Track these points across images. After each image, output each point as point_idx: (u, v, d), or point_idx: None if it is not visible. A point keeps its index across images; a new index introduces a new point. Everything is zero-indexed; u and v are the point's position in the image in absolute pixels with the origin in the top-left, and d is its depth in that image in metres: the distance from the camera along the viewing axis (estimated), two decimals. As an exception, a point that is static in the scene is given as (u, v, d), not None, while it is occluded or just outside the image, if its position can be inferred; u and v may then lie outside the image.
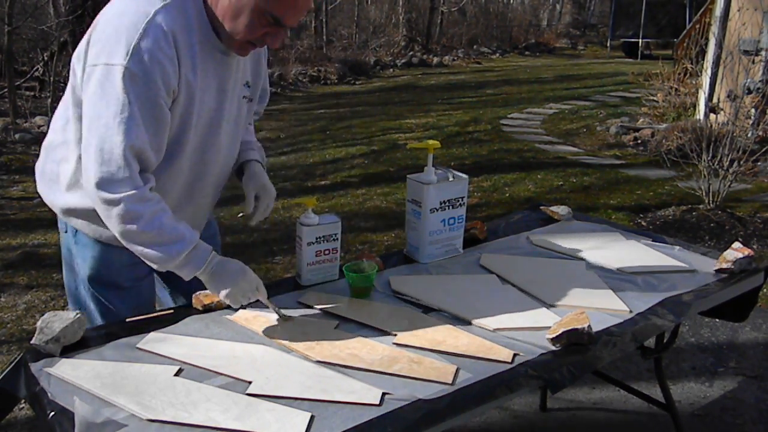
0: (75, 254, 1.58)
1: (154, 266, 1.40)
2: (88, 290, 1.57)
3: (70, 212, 1.50)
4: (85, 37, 1.37)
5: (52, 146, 1.50)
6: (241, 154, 1.68)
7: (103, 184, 1.30)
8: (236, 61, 1.48)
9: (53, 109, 1.64)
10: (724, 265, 1.78)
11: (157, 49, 1.29)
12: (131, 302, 1.59)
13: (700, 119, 6.44)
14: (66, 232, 1.58)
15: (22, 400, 1.33)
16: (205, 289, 1.48)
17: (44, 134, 1.56)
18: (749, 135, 4.89)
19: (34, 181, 1.59)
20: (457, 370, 1.30)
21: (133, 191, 1.30)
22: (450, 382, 1.26)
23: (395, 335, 1.43)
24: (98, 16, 1.37)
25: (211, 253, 1.41)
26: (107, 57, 1.28)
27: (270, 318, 1.50)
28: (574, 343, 1.38)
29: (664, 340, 1.96)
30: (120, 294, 1.58)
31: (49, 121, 1.57)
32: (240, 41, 1.39)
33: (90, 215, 1.47)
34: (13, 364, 1.32)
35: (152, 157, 1.35)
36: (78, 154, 1.41)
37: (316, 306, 1.57)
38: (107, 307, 1.57)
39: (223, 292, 1.42)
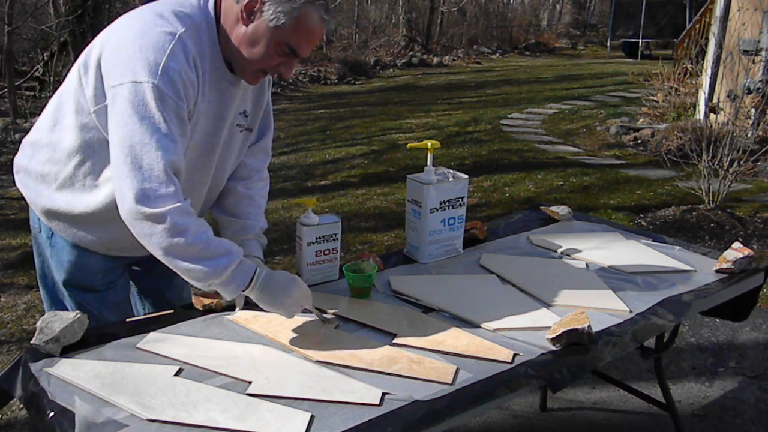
0: (49, 256, 1.57)
1: (197, 284, 1.35)
2: (64, 292, 1.58)
3: (52, 213, 1.49)
4: (94, 48, 1.35)
5: (37, 145, 1.48)
6: (240, 243, 1.58)
7: (144, 199, 1.26)
8: (240, 91, 1.49)
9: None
10: (724, 265, 1.78)
11: (183, 70, 1.29)
12: (107, 303, 1.60)
13: (700, 119, 6.44)
14: (40, 232, 1.57)
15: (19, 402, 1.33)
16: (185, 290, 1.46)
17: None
18: (749, 135, 4.90)
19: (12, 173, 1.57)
20: (457, 371, 1.30)
21: (178, 204, 1.28)
22: (450, 382, 1.26)
23: (395, 335, 1.43)
24: (108, 33, 1.36)
25: (257, 269, 1.39)
26: (133, 75, 1.26)
27: (270, 318, 1.50)
28: (574, 343, 1.38)
29: (664, 340, 1.96)
30: (96, 296, 1.58)
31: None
32: (253, 70, 1.40)
33: (71, 219, 1.46)
34: (12, 364, 1.32)
35: (183, 174, 1.34)
36: (77, 160, 1.41)
37: (316, 306, 1.57)
38: (84, 307, 1.56)
39: (277, 305, 1.39)
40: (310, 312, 1.47)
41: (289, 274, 1.43)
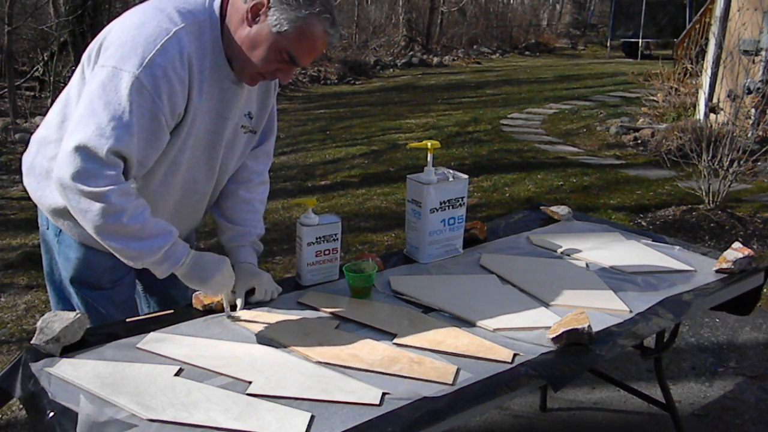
0: (57, 253, 1.58)
1: (129, 263, 1.37)
2: (70, 289, 1.58)
3: (58, 212, 1.49)
4: (97, 40, 1.37)
5: (44, 142, 1.48)
6: (236, 249, 1.64)
7: (83, 177, 1.26)
8: (244, 92, 1.49)
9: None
10: (724, 265, 1.78)
11: (170, 68, 1.29)
12: (113, 300, 1.60)
13: (700, 119, 6.44)
14: (48, 229, 1.57)
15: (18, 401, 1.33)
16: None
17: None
18: (749, 135, 4.89)
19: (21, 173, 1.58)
20: (458, 371, 1.30)
21: (117, 185, 1.29)
22: (450, 382, 1.26)
23: (395, 335, 1.43)
24: (113, 23, 1.37)
25: (189, 250, 1.42)
26: (117, 62, 1.28)
27: (271, 318, 1.50)
28: (574, 342, 1.38)
29: (664, 340, 1.96)
30: (102, 294, 1.59)
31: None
32: (251, 72, 1.40)
33: None
34: (12, 364, 1.32)
35: (134, 168, 1.34)
36: None
37: (316, 306, 1.57)
38: (90, 304, 1.57)
39: (204, 283, 1.42)
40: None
41: (219, 256, 1.47)
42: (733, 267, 1.77)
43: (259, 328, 1.46)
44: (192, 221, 1.64)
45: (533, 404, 2.43)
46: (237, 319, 1.50)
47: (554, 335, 1.38)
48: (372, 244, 4.06)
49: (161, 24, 1.30)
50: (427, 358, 1.34)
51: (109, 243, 1.34)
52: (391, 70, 13.99)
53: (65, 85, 1.47)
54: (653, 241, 2.03)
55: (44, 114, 1.54)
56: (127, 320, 1.50)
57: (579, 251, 1.93)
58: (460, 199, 1.85)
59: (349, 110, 9.20)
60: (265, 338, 1.42)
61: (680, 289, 1.69)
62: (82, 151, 1.26)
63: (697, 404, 2.44)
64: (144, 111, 1.29)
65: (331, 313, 1.53)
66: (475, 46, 17.60)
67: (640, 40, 15.79)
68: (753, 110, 5.52)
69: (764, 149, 4.69)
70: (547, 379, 1.31)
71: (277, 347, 1.38)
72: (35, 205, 1.56)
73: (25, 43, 9.62)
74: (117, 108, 1.27)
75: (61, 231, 1.54)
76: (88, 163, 1.27)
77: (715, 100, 6.40)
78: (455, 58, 15.94)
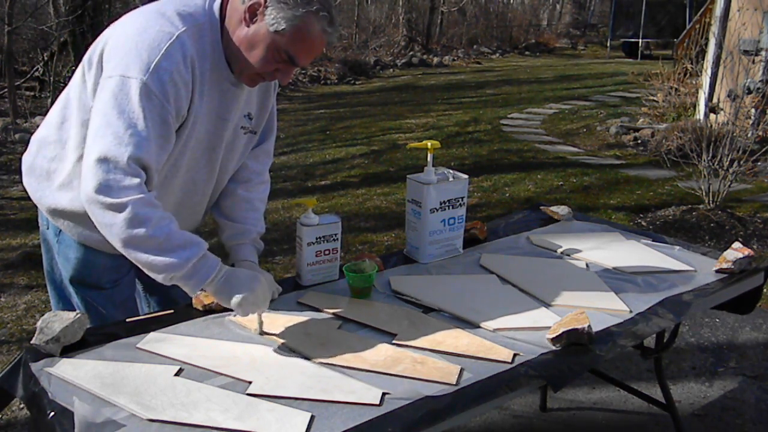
0: (57, 253, 1.58)
1: (158, 277, 1.33)
2: (70, 289, 1.58)
3: (58, 212, 1.49)
4: (98, 43, 1.37)
5: (44, 142, 1.48)
6: (236, 247, 1.62)
7: (105, 189, 1.26)
8: (243, 93, 1.49)
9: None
10: (725, 265, 1.78)
11: (176, 71, 1.29)
12: (113, 300, 1.60)
13: (700, 119, 6.44)
14: (48, 229, 1.57)
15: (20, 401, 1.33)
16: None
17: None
18: (749, 135, 4.90)
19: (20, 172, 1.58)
20: (461, 371, 1.30)
21: (141, 195, 1.28)
22: (454, 382, 1.25)
23: (395, 335, 1.43)
24: (113, 29, 1.37)
25: (219, 264, 1.37)
26: (124, 69, 1.28)
27: (271, 318, 1.50)
28: (574, 342, 1.38)
29: (664, 340, 1.96)
30: (102, 294, 1.58)
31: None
32: (250, 73, 1.40)
33: (77, 217, 1.46)
34: (12, 364, 1.32)
35: (155, 177, 1.33)
36: (77, 156, 1.40)
37: (316, 306, 1.57)
38: (90, 304, 1.57)
39: (236, 300, 1.35)
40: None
41: (252, 272, 1.42)
42: (733, 267, 1.77)
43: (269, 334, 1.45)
44: (192, 222, 1.64)
45: (533, 404, 2.43)
46: (266, 334, 1.44)
47: (554, 335, 1.38)
48: (372, 244, 4.06)
49: (163, 28, 1.30)
50: (430, 359, 1.34)
51: (136, 256, 1.30)
52: (391, 70, 13.99)
53: (65, 85, 1.47)
54: (653, 241, 2.03)
55: (44, 114, 1.54)
56: (127, 320, 1.50)
57: (579, 251, 1.93)
58: (460, 199, 1.85)
59: (349, 110, 9.20)
60: (265, 338, 1.41)
61: (680, 289, 1.69)
62: (103, 162, 1.26)
63: (697, 404, 2.44)
64: (155, 116, 1.29)
65: (331, 313, 1.53)
66: (475, 46, 17.61)
67: (640, 40, 15.79)
68: (753, 110, 5.52)
69: (764, 149, 4.69)
70: (547, 379, 1.31)
71: (277, 347, 1.38)
72: (35, 205, 1.57)
73: (25, 43, 9.62)
74: (131, 116, 1.27)
75: (60, 231, 1.54)
76: (110, 174, 1.26)
77: (715, 100, 6.40)
78: (455, 58, 15.94)
